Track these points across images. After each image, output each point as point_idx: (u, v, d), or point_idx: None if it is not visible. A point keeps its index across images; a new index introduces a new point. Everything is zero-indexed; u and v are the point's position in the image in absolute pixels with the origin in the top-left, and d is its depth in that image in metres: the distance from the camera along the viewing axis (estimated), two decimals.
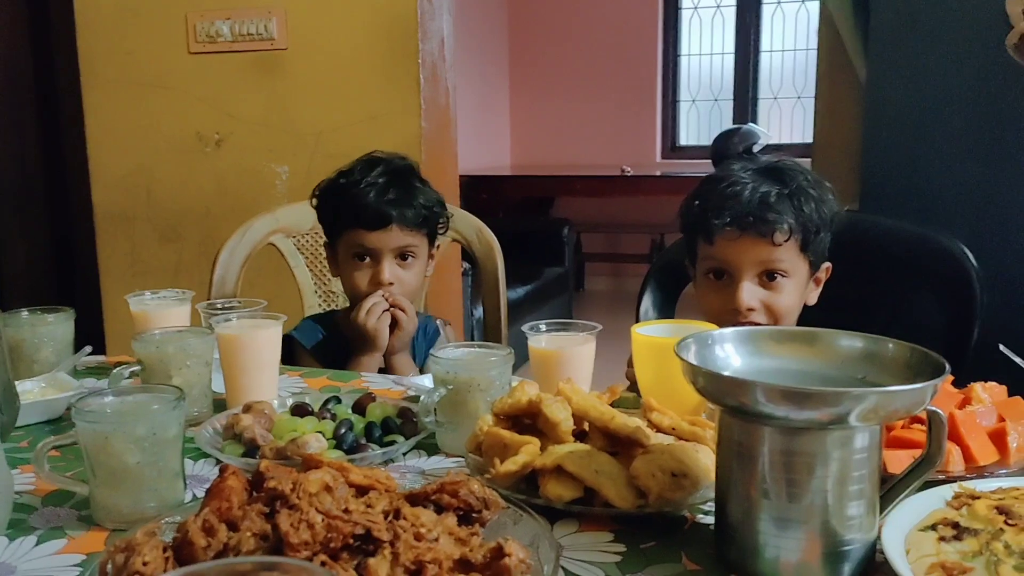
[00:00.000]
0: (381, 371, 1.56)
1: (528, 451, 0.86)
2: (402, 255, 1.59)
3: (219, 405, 1.21)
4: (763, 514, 0.72)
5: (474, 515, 0.73)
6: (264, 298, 1.40)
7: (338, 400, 1.16)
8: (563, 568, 0.75)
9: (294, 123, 2.60)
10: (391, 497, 0.72)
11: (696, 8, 6.28)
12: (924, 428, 0.74)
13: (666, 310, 1.70)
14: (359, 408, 1.13)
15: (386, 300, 1.54)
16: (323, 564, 0.63)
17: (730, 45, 6.19)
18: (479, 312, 2.85)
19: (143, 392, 0.93)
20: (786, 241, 1.31)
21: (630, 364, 1.36)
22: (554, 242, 5.51)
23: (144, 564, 0.64)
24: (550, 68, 6.47)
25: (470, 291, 3.52)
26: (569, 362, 1.14)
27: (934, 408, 0.71)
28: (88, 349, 1.41)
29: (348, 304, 1.65)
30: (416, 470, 0.99)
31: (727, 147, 5.22)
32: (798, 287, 1.36)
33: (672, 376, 0.87)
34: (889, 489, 0.74)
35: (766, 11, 6.06)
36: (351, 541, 0.65)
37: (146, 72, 2.70)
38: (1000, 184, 1.99)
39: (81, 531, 0.85)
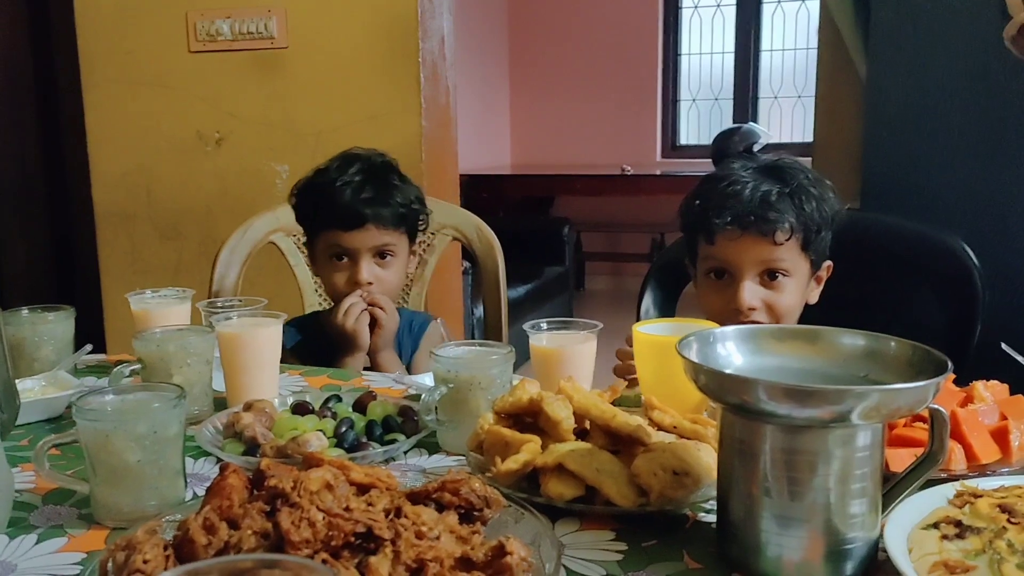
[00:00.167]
0: (367, 370, 1.56)
1: (529, 449, 0.86)
2: (380, 254, 1.58)
3: (219, 404, 1.21)
4: (765, 512, 0.71)
5: (475, 513, 0.73)
6: (264, 297, 1.40)
7: (339, 399, 1.16)
8: (565, 567, 0.75)
9: (294, 122, 2.60)
10: (392, 495, 0.72)
11: (696, 7, 6.28)
12: (926, 427, 0.74)
13: (667, 309, 1.69)
14: (360, 407, 1.13)
15: (364, 300, 1.53)
16: (324, 562, 0.63)
17: (730, 44, 6.19)
18: (479, 311, 2.85)
19: (144, 390, 0.92)
20: (787, 240, 1.31)
21: (620, 358, 1.36)
22: (554, 241, 5.51)
23: (145, 562, 0.64)
24: (550, 67, 6.47)
25: (470, 290, 3.52)
26: (570, 361, 1.14)
27: (936, 406, 0.71)
28: (88, 347, 1.41)
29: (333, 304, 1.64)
30: (417, 469, 0.99)
31: (727, 146, 5.22)
32: (799, 286, 1.36)
33: (673, 374, 0.87)
34: (891, 487, 0.74)
35: (766, 10, 6.06)
36: (352, 539, 0.65)
37: (146, 71, 2.69)
38: (1001, 182, 1.98)
39: (81, 529, 0.85)
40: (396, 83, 2.49)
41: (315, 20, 2.54)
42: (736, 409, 0.73)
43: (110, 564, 0.66)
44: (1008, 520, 0.73)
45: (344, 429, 1.03)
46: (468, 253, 1.96)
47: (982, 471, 0.88)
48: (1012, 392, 1.01)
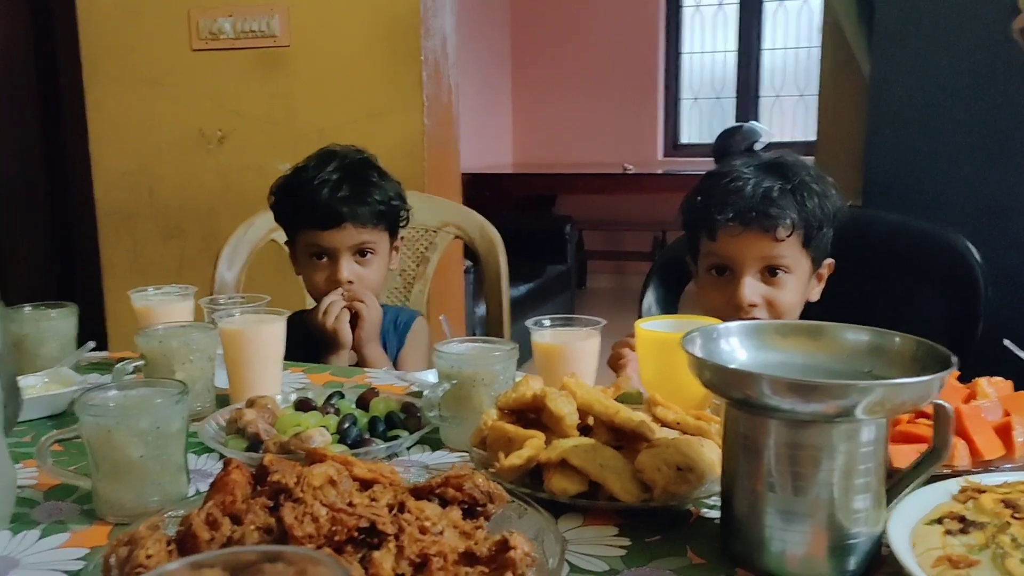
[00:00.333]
0: (355, 366, 1.55)
1: (533, 445, 0.86)
2: (360, 252, 1.57)
3: (222, 400, 1.21)
4: (769, 507, 0.71)
5: (479, 509, 0.73)
6: (267, 295, 1.40)
7: (341, 395, 1.16)
8: (568, 562, 0.75)
9: (297, 120, 2.60)
10: (395, 491, 0.72)
11: (698, 6, 6.27)
12: (929, 423, 0.74)
13: (669, 307, 1.69)
14: (362, 403, 1.13)
15: (344, 297, 1.53)
16: None
17: (732, 43, 6.18)
18: (481, 309, 2.85)
19: (146, 386, 0.92)
20: (788, 236, 1.31)
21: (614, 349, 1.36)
22: (556, 240, 5.52)
23: (148, 557, 0.64)
24: (552, 66, 6.47)
25: (472, 288, 3.52)
26: (573, 357, 1.14)
27: (941, 401, 0.71)
28: (91, 345, 1.41)
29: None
30: (420, 465, 0.99)
31: (729, 145, 5.22)
32: (800, 283, 1.36)
33: (676, 371, 0.87)
34: (895, 483, 0.74)
35: (768, 8, 6.05)
36: (355, 534, 0.65)
37: (148, 69, 2.70)
38: (1004, 180, 1.98)
39: (84, 525, 0.85)
40: (398, 81, 2.49)
41: (317, 18, 2.54)
42: (740, 404, 0.73)
43: (113, 559, 0.66)
44: (1012, 515, 0.73)
45: (347, 425, 1.03)
46: (470, 251, 1.96)
47: (985, 467, 0.88)
48: (1016, 389, 1.01)
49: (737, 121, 5.99)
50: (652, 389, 0.99)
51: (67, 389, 1.21)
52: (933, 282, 1.56)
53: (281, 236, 1.95)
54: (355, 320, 1.54)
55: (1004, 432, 0.91)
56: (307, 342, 1.56)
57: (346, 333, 1.53)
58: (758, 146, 5.18)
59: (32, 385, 1.23)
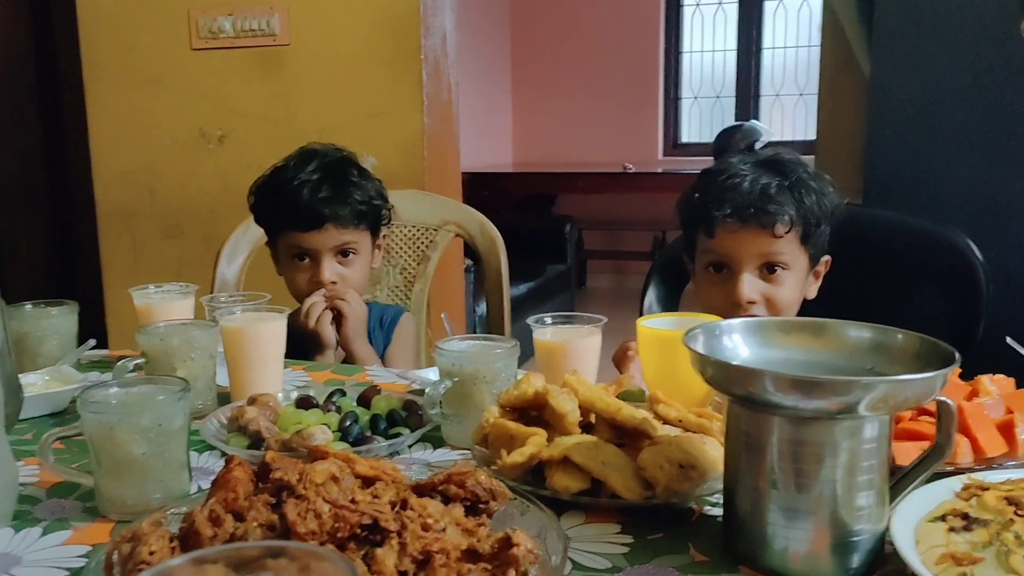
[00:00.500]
0: (344, 362, 1.55)
1: (535, 442, 0.86)
2: (342, 252, 1.56)
3: (223, 399, 1.20)
4: (772, 505, 0.71)
5: (481, 506, 0.73)
6: (267, 292, 1.40)
7: (343, 393, 1.16)
8: (570, 559, 0.75)
9: (297, 119, 2.59)
10: (398, 488, 0.72)
11: (698, 5, 6.27)
12: (932, 420, 0.74)
13: (670, 305, 1.69)
14: (364, 401, 1.13)
15: (325, 297, 1.52)
16: None
17: (732, 42, 6.18)
18: (482, 308, 2.85)
19: (148, 383, 0.92)
20: (787, 233, 1.31)
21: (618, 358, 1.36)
22: (556, 239, 5.52)
23: (151, 554, 0.64)
24: (552, 65, 6.47)
25: (472, 287, 3.52)
26: (575, 354, 1.14)
27: (944, 398, 0.71)
28: (92, 343, 1.41)
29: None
30: (422, 462, 0.99)
31: (729, 144, 5.22)
32: (798, 280, 1.36)
33: (678, 368, 0.87)
34: (898, 480, 0.74)
35: (768, 7, 6.05)
36: (358, 531, 0.65)
37: (148, 68, 2.69)
38: (1004, 178, 1.98)
39: (86, 522, 0.85)
40: (398, 80, 2.49)
41: (317, 17, 2.54)
42: (743, 401, 0.73)
43: (115, 556, 0.66)
44: (1015, 512, 0.73)
45: (348, 423, 1.03)
46: (470, 250, 1.96)
47: (988, 465, 0.88)
48: (1018, 386, 1.01)
49: (737, 120, 5.99)
50: (654, 386, 0.99)
51: (68, 387, 1.21)
52: (934, 280, 1.56)
53: None
54: (339, 319, 1.53)
55: (1007, 429, 0.91)
56: (295, 342, 1.56)
57: (328, 334, 1.53)
58: (758, 145, 5.17)
59: (33, 383, 1.22)
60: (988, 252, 1.50)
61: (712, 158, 5.14)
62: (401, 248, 1.95)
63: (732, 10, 6.15)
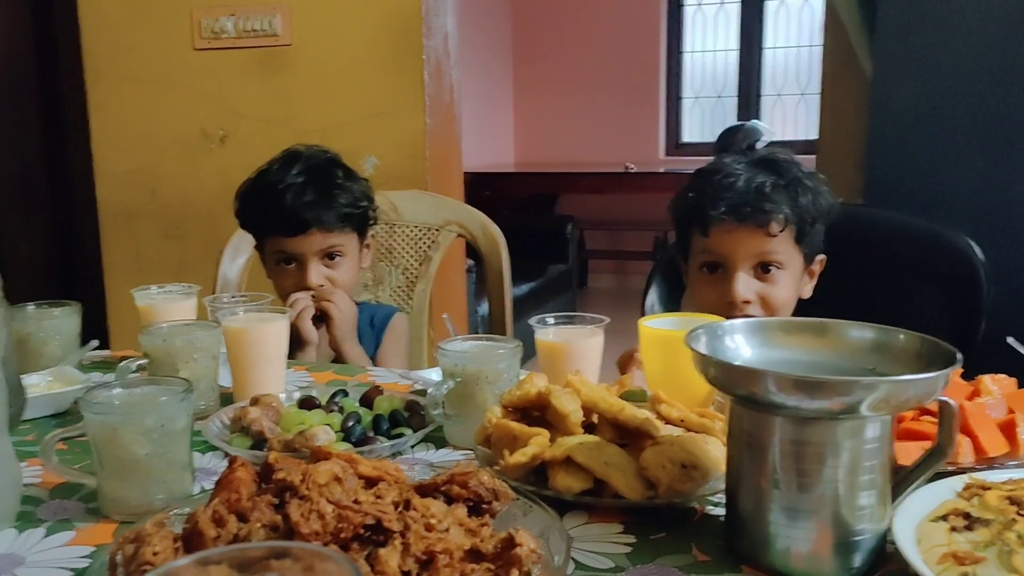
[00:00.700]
0: (335, 361, 1.54)
1: (537, 443, 0.86)
2: (329, 255, 1.55)
3: (226, 399, 1.21)
4: (774, 504, 0.71)
5: (484, 506, 0.73)
6: (269, 293, 1.40)
7: (345, 393, 1.16)
8: (573, 559, 0.75)
9: (299, 120, 2.59)
10: (401, 488, 0.72)
11: (699, 5, 6.27)
12: (934, 420, 0.74)
13: (671, 305, 1.69)
14: (366, 401, 1.13)
15: (313, 298, 1.51)
16: None
17: (734, 42, 6.18)
18: (483, 308, 2.85)
19: (151, 384, 0.92)
20: (782, 231, 1.31)
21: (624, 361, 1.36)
22: (557, 239, 5.52)
23: (154, 554, 0.64)
24: (554, 65, 6.47)
25: (474, 287, 3.52)
26: (577, 355, 1.14)
27: (946, 398, 0.71)
28: (95, 343, 1.41)
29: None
30: (424, 463, 0.99)
31: (730, 144, 5.22)
32: (793, 279, 1.36)
33: (680, 368, 0.87)
34: (900, 480, 0.74)
35: (769, 7, 6.05)
36: (362, 531, 0.65)
37: (150, 69, 2.70)
38: (1005, 179, 1.98)
39: (89, 523, 0.85)
40: (400, 80, 2.49)
41: (319, 17, 2.54)
42: (745, 401, 0.73)
43: (119, 557, 0.66)
44: (1017, 512, 0.73)
45: (351, 423, 1.03)
46: (472, 251, 1.96)
47: (990, 464, 0.88)
48: (1019, 386, 1.01)
49: (739, 120, 5.99)
50: (656, 386, 0.99)
51: (70, 387, 1.21)
52: (935, 281, 1.56)
53: None
54: (326, 320, 1.52)
55: (1008, 429, 0.91)
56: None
57: (308, 330, 1.51)
58: (760, 145, 5.17)
59: (35, 384, 1.23)
60: (989, 252, 1.50)
61: (713, 158, 5.14)
62: (403, 248, 1.95)
63: (733, 10, 6.15)
